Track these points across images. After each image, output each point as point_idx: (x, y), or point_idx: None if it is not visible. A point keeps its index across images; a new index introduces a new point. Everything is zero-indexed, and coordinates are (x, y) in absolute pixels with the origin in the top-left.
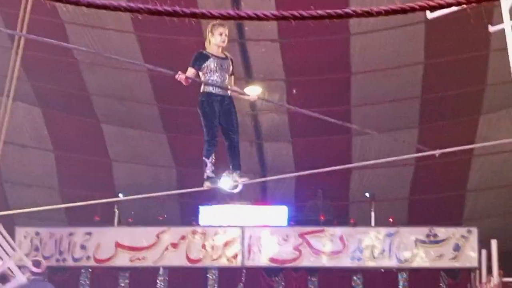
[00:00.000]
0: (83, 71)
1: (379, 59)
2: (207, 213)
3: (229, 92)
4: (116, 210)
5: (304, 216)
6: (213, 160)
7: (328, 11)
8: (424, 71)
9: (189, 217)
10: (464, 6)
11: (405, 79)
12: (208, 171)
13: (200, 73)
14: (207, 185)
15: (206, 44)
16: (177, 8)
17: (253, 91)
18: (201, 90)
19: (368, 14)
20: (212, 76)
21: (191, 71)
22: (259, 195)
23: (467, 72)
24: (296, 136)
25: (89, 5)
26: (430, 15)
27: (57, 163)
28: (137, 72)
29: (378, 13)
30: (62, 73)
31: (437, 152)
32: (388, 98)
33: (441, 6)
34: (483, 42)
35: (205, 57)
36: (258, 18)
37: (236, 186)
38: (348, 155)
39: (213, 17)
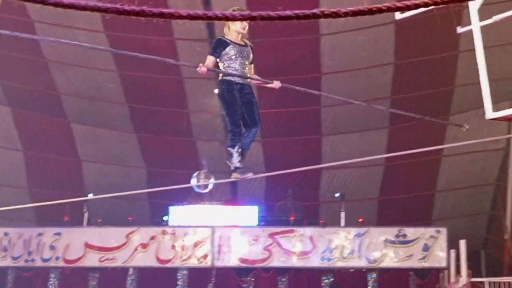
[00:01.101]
0: (53, 71)
1: (349, 59)
2: (177, 213)
3: (249, 80)
4: (85, 210)
5: (274, 216)
6: (239, 150)
7: (296, 11)
8: (394, 72)
9: (159, 217)
10: (432, 7)
11: (375, 79)
12: (235, 161)
13: (219, 61)
14: (235, 176)
15: (225, 30)
16: (145, 8)
17: None
18: (220, 78)
19: (336, 15)
20: (232, 64)
21: (211, 60)
22: (229, 195)
23: (436, 73)
24: (266, 136)
25: (56, 5)
26: (398, 16)
27: (27, 163)
28: (107, 71)
29: (346, 14)
30: (32, 72)
31: (406, 153)
32: (358, 98)
33: (408, 8)
34: (452, 43)
35: (224, 43)
36: (226, 18)
37: (206, 186)
38: (318, 156)
39: (181, 17)
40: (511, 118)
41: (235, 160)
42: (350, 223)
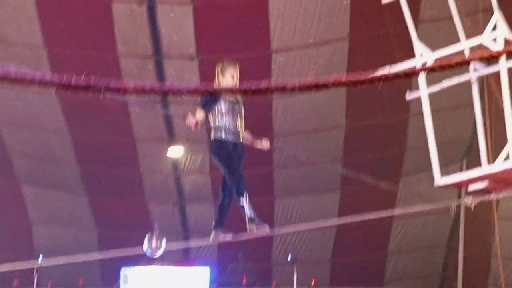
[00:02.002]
0: (4, 131)
1: (300, 121)
2: (129, 275)
3: (241, 138)
4: (35, 274)
5: (227, 278)
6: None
7: (248, 85)
8: (346, 134)
9: (110, 280)
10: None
11: (327, 141)
12: (249, 212)
13: (210, 117)
14: (254, 229)
15: (215, 85)
16: (91, 82)
17: (176, 151)
18: (212, 138)
19: (283, 89)
20: (223, 121)
21: (201, 114)
22: (181, 257)
23: (387, 135)
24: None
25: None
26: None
27: None
28: (58, 132)
29: (293, 88)
30: None
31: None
32: (310, 160)
33: (355, 83)
34: (403, 106)
35: (215, 99)
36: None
37: (158, 251)
38: (271, 218)
39: (127, 91)
40: (458, 184)
41: (248, 211)
42: (303, 284)
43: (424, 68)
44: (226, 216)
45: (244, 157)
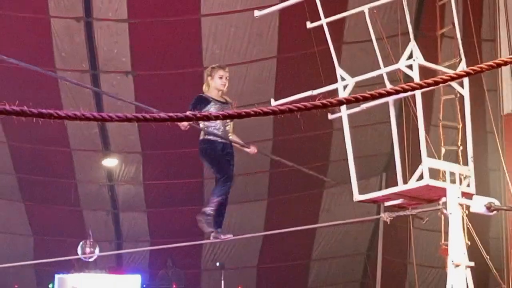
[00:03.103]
0: None
1: None
2: (62, 282)
3: (230, 139)
4: None
5: (157, 284)
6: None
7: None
8: (273, 147)
9: (45, 285)
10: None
11: (255, 156)
12: (209, 209)
13: None
14: (199, 219)
15: (205, 88)
16: (25, 108)
17: (110, 163)
18: (201, 137)
19: (208, 118)
20: (213, 122)
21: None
22: (114, 263)
23: (312, 149)
24: (151, 206)
25: None
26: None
27: None
28: None
29: (217, 117)
30: None
31: (282, 231)
32: (242, 171)
33: (278, 112)
34: (327, 121)
35: (205, 101)
36: (111, 119)
37: (92, 256)
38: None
39: (60, 117)
40: (375, 201)
41: (209, 209)
42: None
43: (345, 101)
44: (224, 216)
45: (234, 158)
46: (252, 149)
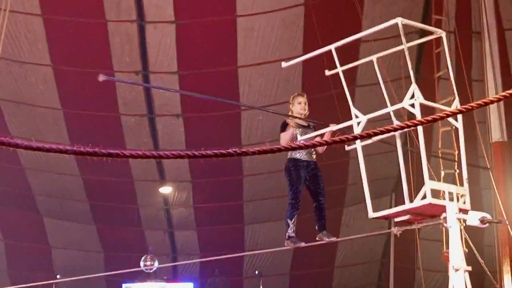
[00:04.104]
0: (28, 174)
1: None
2: None
3: (314, 157)
4: None
5: None
6: (295, 222)
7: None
8: None
9: None
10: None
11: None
12: (290, 231)
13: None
14: (288, 243)
15: (290, 113)
16: (97, 150)
17: (166, 190)
18: (288, 156)
19: (245, 154)
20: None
21: (284, 138)
22: (170, 274)
23: (332, 174)
24: (200, 225)
25: (26, 148)
26: None
27: (6, 249)
28: (72, 174)
29: (253, 153)
30: (10, 178)
31: (310, 244)
32: (274, 194)
33: (300, 148)
34: (344, 151)
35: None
36: (167, 157)
37: (153, 268)
38: (242, 240)
39: (126, 156)
40: (386, 217)
41: (291, 230)
42: None
43: (359, 136)
44: (324, 219)
45: (320, 172)
46: (333, 126)
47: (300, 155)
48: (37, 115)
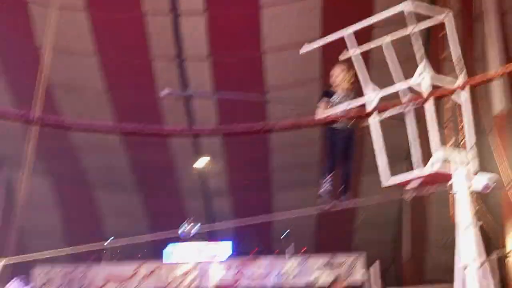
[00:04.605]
0: (80, 153)
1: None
2: (174, 249)
3: (349, 125)
4: (105, 251)
5: (242, 248)
6: (329, 183)
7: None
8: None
9: (159, 254)
10: None
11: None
12: (323, 191)
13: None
14: (318, 201)
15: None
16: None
17: (201, 163)
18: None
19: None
20: (334, 111)
21: (323, 107)
22: (209, 236)
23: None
24: (233, 194)
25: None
26: None
27: (63, 219)
28: (118, 153)
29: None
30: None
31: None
32: (298, 164)
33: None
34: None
35: (329, 93)
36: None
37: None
38: (270, 205)
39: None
40: (399, 184)
41: (323, 190)
42: (296, 252)
43: (373, 110)
44: (349, 183)
45: (353, 140)
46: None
47: (335, 125)
48: (85, 99)
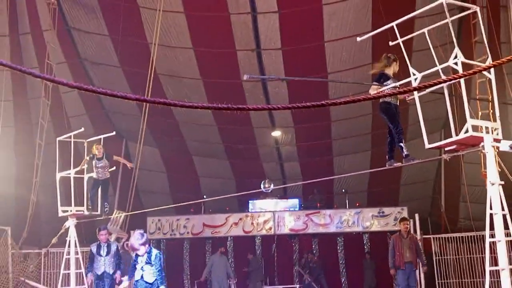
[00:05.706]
0: (181, 126)
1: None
2: (254, 204)
3: (397, 102)
4: (202, 205)
5: (308, 204)
6: (404, 143)
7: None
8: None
9: (243, 207)
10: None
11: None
12: (405, 151)
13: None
14: (406, 161)
15: (386, 68)
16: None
17: (276, 133)
18: (381, 100)
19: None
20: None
21: (373, 88)
22: (283, 193)
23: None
24: (301, 158)
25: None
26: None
27: (169, 180)
28: (212, 126)
29: (340, 103)
30: (169, 129)
31: (382, 168)
32: (354, 133)
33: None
34: (404, 101)
35: (385, 77)
36: (278, 108)
37: (269, 189)
38: (332, 167)
39: (249, 109)
40: (439, 147)
41: (405, 149)
42: (351, 206)
43: (416, 88)
44: (394, 151)
45: (399, 114)
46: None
47: (389, 99)
48: (184, 84)
